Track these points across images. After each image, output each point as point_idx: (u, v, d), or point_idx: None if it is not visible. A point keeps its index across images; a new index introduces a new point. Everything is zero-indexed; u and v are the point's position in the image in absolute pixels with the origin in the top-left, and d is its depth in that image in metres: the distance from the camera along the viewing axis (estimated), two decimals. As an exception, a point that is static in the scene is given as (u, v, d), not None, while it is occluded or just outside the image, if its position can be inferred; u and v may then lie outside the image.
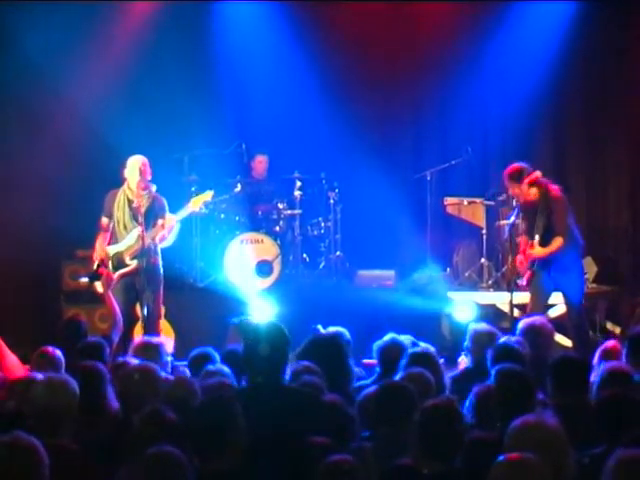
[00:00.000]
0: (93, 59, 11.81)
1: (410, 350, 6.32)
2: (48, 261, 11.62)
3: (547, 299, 9.54)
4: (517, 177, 9.28)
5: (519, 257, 9.43)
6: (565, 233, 9.17)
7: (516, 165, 9.40)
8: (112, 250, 9.16)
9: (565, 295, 9.42)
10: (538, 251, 9.17)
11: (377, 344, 6.58)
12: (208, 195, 9.93)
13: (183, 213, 9.49)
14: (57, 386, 5.17)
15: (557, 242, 9.13)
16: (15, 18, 11.53)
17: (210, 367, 6.11)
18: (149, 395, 5.42)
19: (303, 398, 5.10)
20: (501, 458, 3.84)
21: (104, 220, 9.26)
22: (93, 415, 5.45)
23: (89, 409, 5.40)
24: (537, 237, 9.14)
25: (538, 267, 9.22)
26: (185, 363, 7.03)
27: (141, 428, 4.71)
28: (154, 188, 9.18)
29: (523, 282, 9.45)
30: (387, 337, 6.59)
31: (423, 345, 6.93)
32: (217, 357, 6.69)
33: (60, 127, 11.68)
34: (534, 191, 9.24)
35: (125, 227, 9.18)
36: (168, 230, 9.23)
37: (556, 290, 9.46)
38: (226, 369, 6.08)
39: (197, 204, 9.70)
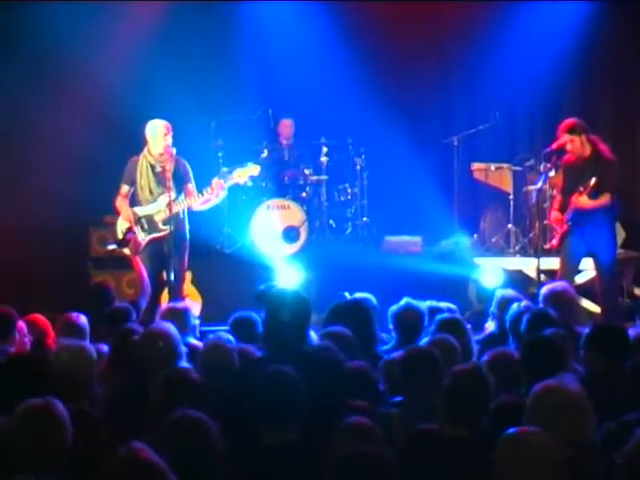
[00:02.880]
0: (119, 26, 11.79)
1: (438, 317, 6.31)
2: (76, 227, 11.66)
3: (578, 263, 9.37)
4: (579, 130, 9.15)
5: (554, 213, 9.28)
6: (613, 193, 9.08)
7: (575, 119, 9.29)
8: (141, 211, 9.19)
9: (597, 258, 9.23)
10: (585, 200, 8.97)
11: (392, 309, 6.55)
12: (255, 169, 9.76)
13: (227, 182, 9.49)
14: (76, 353, 5.21)
15: (605, 198, 8.99)
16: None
17: (210, 335, 6.08)
18: (169, 357, 5.45)
19: (325, 364, 5.09)
20: (507, 432, 3.84)
21: (124, 187, 9.25)
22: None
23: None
24: (580, 189, 8.99)
25: (573, 225, 9.09)
26: (214, 328, 7.04)
27: (162, 389, 4.68)
28: (174, 151, 9.17)
29: (554, 242, 9.31)
30: (402, 302, 6.57)
31: (444, 305, 6.93)
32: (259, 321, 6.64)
33: (87, 94, 11.68)
34: (588, 148, 9.14)
35: (151, 193, 9.18)
36: (216, 194, 9.23)
37: (587, 254, 9.30)
38: (227, 336, 6.07)
39: (243, 176, 9.59)
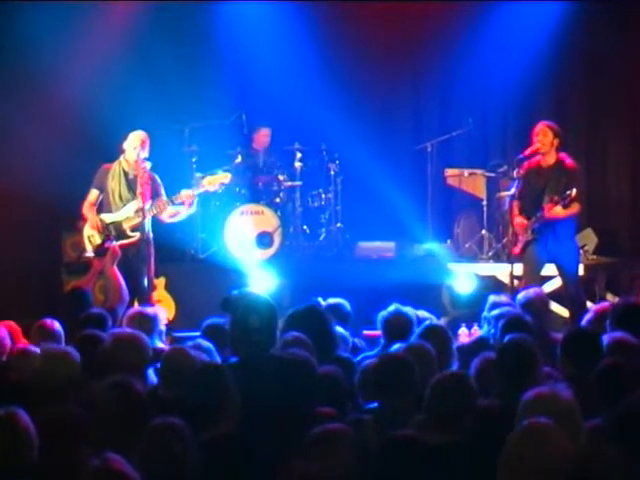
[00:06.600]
0: (87, 31, 11.70)
1: (425, 324, 6.28)
2: (48, 233, 11.62)
3: (541, 269, 9.46)
4: (558, 133, 9.25)
5: (518, 219, 9.34)
6: (581, 202, 9.20)
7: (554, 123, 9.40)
8: (108, 218, 9.20)
9: (561, 266, 9.38)
10: (559, 211, 9.04)
11: (381, 315, 6.52)
12: (225, 177, 9.82)
13: (198, 190, 9.51)
14: (57, 357, 5.19)
15: (575, 208, 9.11)
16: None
17: (189, 342, 6.05)
18: (137, 363, 5.43)
19: (295, 368, 5.06)
20: (522, 424, 3.84)
21: (93, 192, 9.31)
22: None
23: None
24: (555, 199, 9.05)
25: (537, 234, 9.18)
26: (188, 334, 7.00)
27: (104, 399, 4.58)
28: (149, 165, 9.21)
29: (516, 250, 9.40)
30: (391, 308, 6.55)
31: (422, 314, 6.92)
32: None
33: (61, 99, 11.60)
34: (554, 155, 9.23)
35: (121, 197, 9.24)
36: (188, 205, 9.27)
37: (549, 261, 9.42)
38: (206, 343, 6.04)
39: (214, 184, 9.66)
